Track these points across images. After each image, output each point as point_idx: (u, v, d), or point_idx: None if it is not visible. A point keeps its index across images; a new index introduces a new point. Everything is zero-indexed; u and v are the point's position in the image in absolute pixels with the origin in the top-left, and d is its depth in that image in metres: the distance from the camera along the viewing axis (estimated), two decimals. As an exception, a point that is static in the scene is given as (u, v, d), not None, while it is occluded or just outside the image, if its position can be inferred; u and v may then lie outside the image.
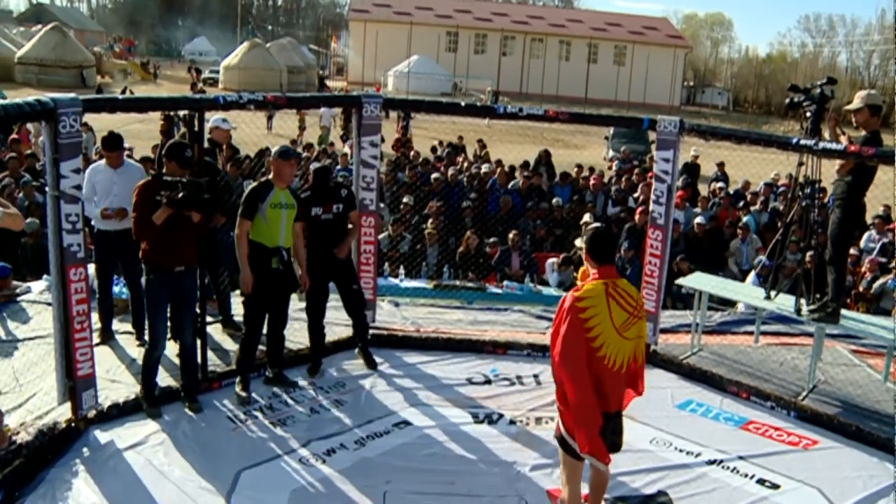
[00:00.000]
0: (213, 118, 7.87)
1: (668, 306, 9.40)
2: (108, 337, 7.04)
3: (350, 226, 6.84)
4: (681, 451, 5.82)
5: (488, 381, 6.92)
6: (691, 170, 16.97)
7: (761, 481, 5.45)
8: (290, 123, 24.40)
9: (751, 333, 8.10)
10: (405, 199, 11.85)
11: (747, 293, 7.59)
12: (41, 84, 40.10)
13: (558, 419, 4.45)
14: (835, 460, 5.82)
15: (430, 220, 11.28)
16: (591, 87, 63.69)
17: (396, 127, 25.32)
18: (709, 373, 7.09)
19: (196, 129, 6.16)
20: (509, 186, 13.41)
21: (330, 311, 6.98)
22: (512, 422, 6.17)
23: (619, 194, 13.76)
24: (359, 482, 5.17)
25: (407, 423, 6.04)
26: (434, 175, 13.29)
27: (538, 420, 6.16)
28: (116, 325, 7.26)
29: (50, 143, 5.17)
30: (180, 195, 5.52)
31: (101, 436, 5.53)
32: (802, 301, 6.82)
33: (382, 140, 7.68)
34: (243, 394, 6.21)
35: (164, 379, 6.18)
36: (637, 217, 11.45)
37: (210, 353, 6.55)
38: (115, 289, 7.45)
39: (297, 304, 6.94)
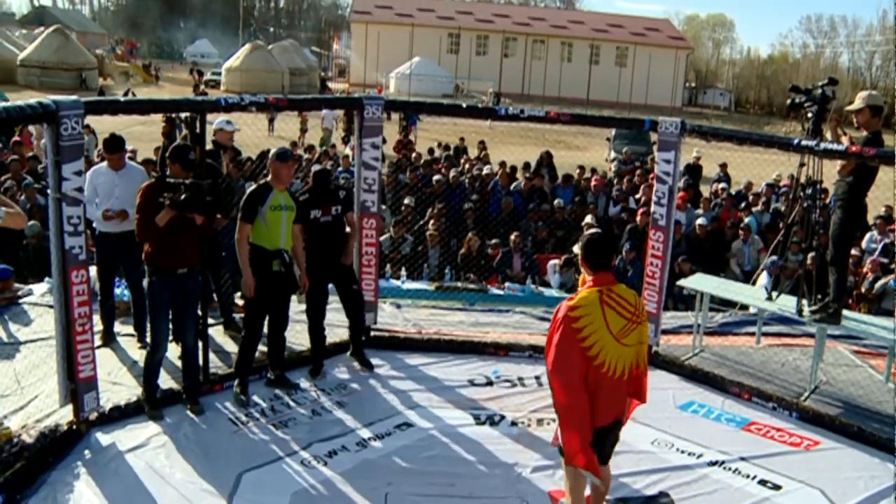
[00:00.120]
0: (216, 120, 7.88)
1: (669, 307, 9.40)
2: (109, 339, 7.05)
3: (348, 228, 6.85)
4: (682, 452, 5.82)
5: (490, 383, 6.92)
6: (693, 171, 16.95)
7: (763, 482, 5.44)
8: (292, 125, 24.43)
9: (752, 334, 8.10)
10: (406, 201, 11.85)
11: (748, 294, 7.58)
12: (43, 86, 40.16)
13: (557, 428, 4.43)
14: (836, 461, 5.82)
15: (432, 222, 11.29)
16: (593, 88, 63.66)
17: (399, 129, 25.34)
18: (710, 374, 7.09)
19: (198, 131, 6.17)
20: (511, 188, 13.41)
21: (330, 313, 6.99)
22: (513, 423, 6.17)
23: (619, 195, 13.74)
24: (360, 484, 5.16)
25: (408, 424, 6.04)
26: (436, 177, 13.29)
27: (540, 421, 6.16)
28: (118, 327, 7.27)
29: (52, 146, 5.18)
30: (183, 197, 5.53)
31: (103, 438, 5.54)
32: (804, 302, 6.82)
33: (384, 141, 7.69)
34: (242, 397, 6.21)
35: (165, 381, 6.18)
36: (639, 218, 11.45)
37: (212, 355, 6.54)
38: (117, 291, 7.46)
39: (298, 306, 6.94)
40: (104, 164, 7.02)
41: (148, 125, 18.45)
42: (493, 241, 11.02)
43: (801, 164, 6.82)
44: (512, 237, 11.01)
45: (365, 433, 5.86)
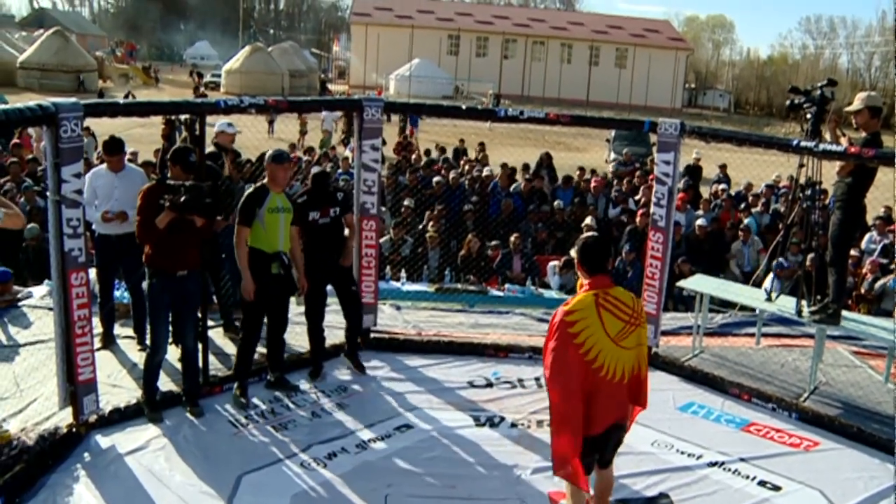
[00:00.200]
0: (218, 123, 7.89)
1: (669, 308, 9.40)
2: (109, 341, 7.05)
3: (346, 230, 6.85)
4: (682, 453, 5.82)
5: (490, 385, 6.93)
6: (693, 172, 16.96)
7: (763, 483, 5.45)
8: (292, 127, 24.45)
9: (752, 335, 8.11)
10: (406, 202, 11.85)
11: (748, 295, 7.58)
12: (43, 88, 40.18)
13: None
14: (836, 462, 5.82)
15: (432, 224, 11.29)
16: (593, 89, 63.62)
17: (398, 131, 25.35)
18: (710, 375, 7.09)
19: (197, 133, 6.17)
20: (511, 189, 13.41)
21: (330, 315, 6.99)
22: (513, 425, 6.17)
23: (619, 195, 13.74)
24: (360, 486, 5.16)
25: (408, 426, 6.05)
26: (436, 178, 13.29)
27: (539, 423, 6.15)
28: (118, 329, 7.27)
29: (51, 148, 5.17)
30: (183, 199, 5.54)
31: (102, 441, 5.53)
32: (803, 303, 6.82)
33: (384, 143, 7.69)
34: (242, 399, 6.21)
35: (165, 383, 6.19)
36: (638, 219, 11.45)
37: (211, 358, 6.55)
38: (117, 293, 7.45)
39: (297, 308, 6.95)
40: (104, 166, 7.02)
41: (147, 127, 18.47)
42: (493, 242, 11.02)
43: (801, 165, 6.82)
44: (512, 239, 11.01)
45: (365, 435, 5.86)
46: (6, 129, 12.79)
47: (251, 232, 6.07)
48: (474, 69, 62.35)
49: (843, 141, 6.52)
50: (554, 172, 16.02)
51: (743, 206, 14.06)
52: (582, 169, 16.05)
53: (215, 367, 6.59)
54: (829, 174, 6.79)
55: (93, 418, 5.64)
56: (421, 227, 11.25)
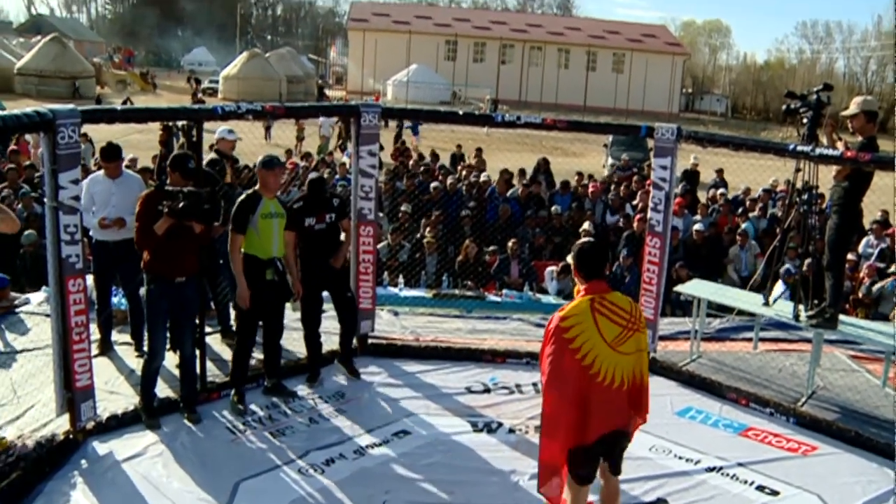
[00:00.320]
0: (218, 129, 7.90)
1: (666, 313, 9.40)
2: (106, 348, 7.04)
3: (343, 235, 6.85)
4: (680, 458, 5.82)
5: (487, 390, 6.92)
6: (691, 177, 16.99)
7: (761, 488, 5.45)
8: (289, 133, 24.43)
9: (749, 340, 8.11)
10: (403, 208, 11.85)
11: (745, 300, 7.58)
12: (40, 95, 40.15)
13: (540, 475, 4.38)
14: (834, 466, 5.82)
15: (429, 229, 11.29)
16: (590, 94, 63.76)
17: (394, 137, 25.38)
18: (708, 379, 7.09)
19: (195, 139, 6.18)
20: (508, 195, 13.42)
21: (328, 321, 6.99)
22: (511, 430, 6.17)
23: (616, 200, 13.75)
24: (358, 492, 5.16)
25: (406, 432, 6.04)
26: (433, 184, 13.30)
27: (537, 428, 6.10)
28: (115, 335, 7.26)
29: (48, 154, 5.19)
30: (181, 205, 5.54)
31: (100, 447, 5.53)
32: (801, 307, 6.83)
33: (381, 149, 7.70)
34: (239, 405, 6.20)
35: (162, 390, 6.18)
36: (636, 224, 11.46)
37: (209, 364, 6.55)
38: (114, 299, 7.45)
39: (294, 314, 6.94)
40: (101, 172, 7.03)
41: (145, 133, 18.47)
42: (491, 248, 11.02)
43: (798, 170, 6.84)
44: (509, 244, 11.02)
45: (362, 441, 5.86)
46: (4, 135, 12.85)
47: (245, 239, 6.06)
48: (472, 75, 62.44)
49: (840, 145, 6.53)
50: (551, 178, 16.04)
51: (740, 210, 14.08)
52: (580, 174, 16.08)
53: (213, 373, 6.58)
54: (826, 178, 6.80)
55: (90, 425, 5.64)
56: (419, 235, 11.23)
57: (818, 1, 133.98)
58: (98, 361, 6.35)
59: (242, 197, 6.21)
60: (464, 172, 15.82)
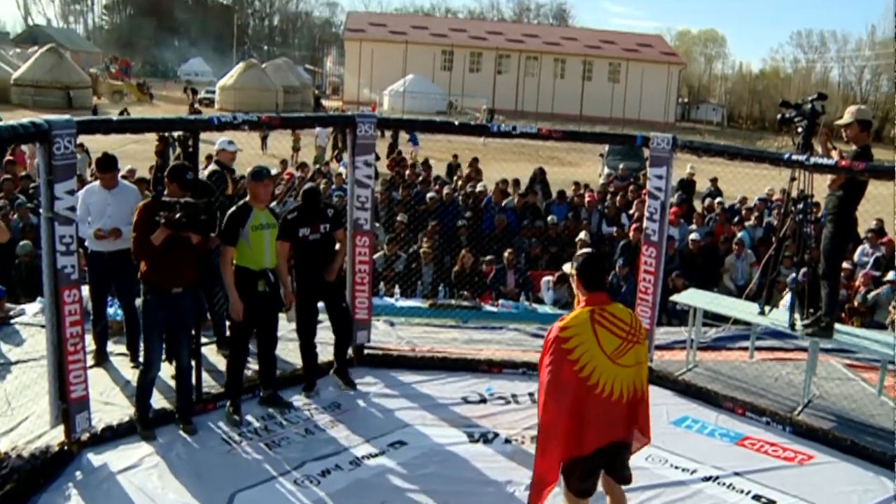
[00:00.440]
0: (218, 140, 7.91)
1: (663, 323, 9.40)
2: (102, 359, 7.02)
3: (337, 245, 6.85)
4: (676, 467, 5.82)
5: (483, 400, 6.92)
6: (687, 186, 17.02)
7: (757, 497, 5.45)
8: (286, 143, 24.44)
9: (746, 349, 8.12)
10: (399, 217, 11.86)
11: (741, 309, 7.59)
12: (37, 105, 40.14)
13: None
14: (830, 475, 5.82)
15: (426, 240, 11.29)
16: (586, 104, 63.81)
17: (388, 148, 25.42)
18: (704, 389, 7.09)
19: (191, 150, 6.18)
20: (504, 204, 13.43)
21: (324, 332, 6.99)
22: (507, 441, 6.16)
23: (612, 209, 13.77)
24: (353, 503, 5.15)
25: (402, 442, 6.03)
26: (429, 194, 13.31)
27: (533, 439, 6.09)
28: (111, 346, 7.24)
29: (44, 165, 5.18)
30: (178, 216, 5.54)
31: (95, 459, 5.51)
32: (796, 316, 6.83)
33: (378, 158, 7.71)
34: (235, 416, 6.19)
35: (158, 401, 6.16)
36: (632, 234, 11.47)
37: (205, 375, 6.52)
38: (110, 310, 7.43)
39: (290, 325, 6.94)
40: (97, 182, 7.03)
41: (142, 143, 18.47)
42: (487, 257, 11.03)
43: (792, 179, 6.85)
44: (505, 254, 11.02)
45: (358, 452, 5.84)
46: (0, 145, 12.83)
47: (237, 250, 6.06)
48: (468, 84, 62.58)
49: (834, 154, 6.55)
50: (548, 187, 16.06)
51: (736, 219, 14.10)
52: (577, 184, 16.11)
53: (208, 384, 6.56)
54: (821, 187, 6.82)
55: (85, 436, 5.62)
56: (416, 247, 11.23)
57: (813, 10, 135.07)
58: (93, 372, 6.34)
59: (232, 209, 6.20)
60: (459, 182, 15.84)
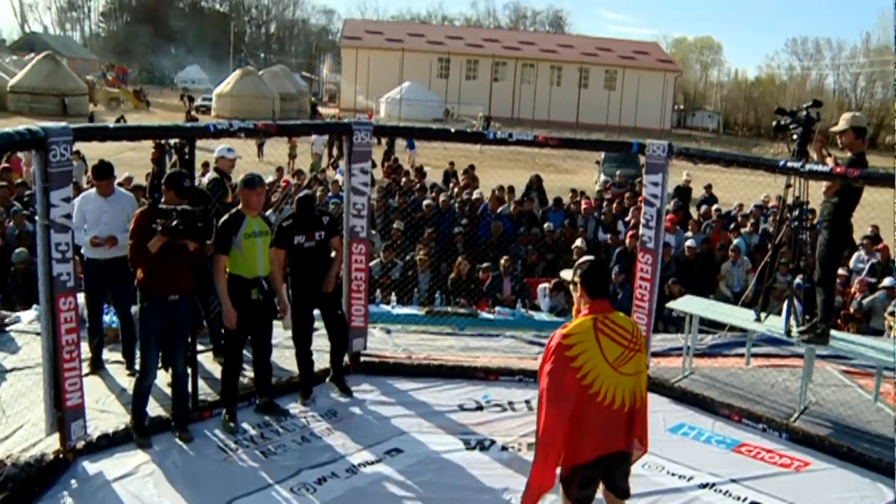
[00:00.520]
0: (218, 148, 7.91)
1: (659, 330, 9.41)
2: (97, 366, 7.01)
3: (333, 253, 6.85)
4: (673, 474, 5.81)
5: (480, 408, 6.91)
6: (683, 193, 17.04)
7: (754, 504, 5.44)
8: (282, 151, 24.46)
9: (742, 356, 8.11)
10: (395, 225, 11.86)
11: (737, 315, 7.60)
12: (33, 112, 40.11)
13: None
14: (827, 482, 5.82)
15: (422, 247, 11.29)
16: (583, 111, 64.06)
17: (382, 155, 25.47)
18: (700, 396, 7.09)
19: (187, 157, 6.18)
20: (499, 211, 13.44)
21: (321, 339, 6.98)
22: (504, 448, 6.15)
23: (609, 216, 13.78)
24: (350, 511, 5.14)
25: (398, 450, 6.02)
26: (426, 201, 13.32)
27: (530, 446, 6.11)
28: (106, 354, 7.23)
29: (40, 172, 5.17)
30: (174, 223, 5.54)
31: (90, 467, 5.49)
32: (792, 322, 6.84)
33: (374, 165, 7.71)
34: (231, 424, 6.17)
35: (154, 408, 6.15)
36: (628, 241, 11.48)
37: (201, 382, 6.51)
38: (106, 318, 7.42)
39: (286, 332, 6.93)
40: (93, 190, 7.02)
41: (138, 151, 18.43)
42: (483, 265, 11.03)
43: (788, 186, 6.87)
44: (502, 261, 11.02)
45: (355, 459, 5.83)
46: (-5, 153, 12.83)
47: (230, 258, 6.05)
48: (464, 92, 62.76)
49: (829, 161, 6.57)
50: (544, 195, 16.07)
51: (732, 226, 14.12)
52: (575, 191, 16.13)
53: (205, 391, 6.55)
54: (816, 194, 6.83)
55: (80, 444, 5.60)
56: (412, 255, 11.23)
57: (808, 18, 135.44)
58: (89, 380, 6.32)
59: (225, 217, 6.19)
60: (455, 189, 15.85)
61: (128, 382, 6.60)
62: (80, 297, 6.47)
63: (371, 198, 7.80)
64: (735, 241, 12.57)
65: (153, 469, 5.51)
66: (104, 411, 6.23)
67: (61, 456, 5.46)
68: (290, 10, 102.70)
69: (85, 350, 6.32)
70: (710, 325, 8.53)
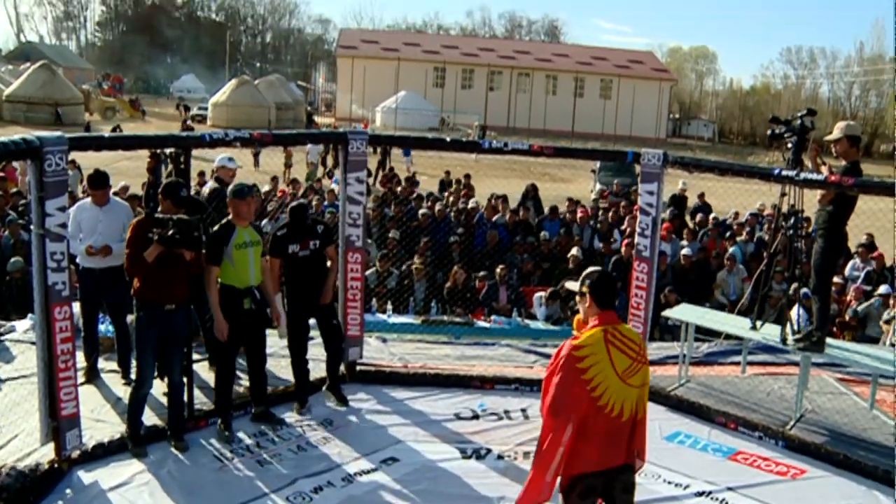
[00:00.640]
0: (218, 157, 7.91)
1: (655, 338, 9.41)
2: (93, 376, 7.00)
3: (328, 262, 6.85)
4: (669, 483, 5.82)
5: (476, 416, 6.90)
6: (679, 202, 17.07)
7: (750, 513, 5.44)
8: (277, 160, 24.46)
9: (738, 364, 8.12)
10: (391, 234, 11.86)
11: (733, 324, 7.60)
12: (28, 122, 40.10)
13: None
14: (823, 489, 5.83)
15: (418, 256, 11.29)
16: (578, 120, 64.21)
17: (377, 164, 25.48)
18: (696, 404, 7.09)
19: (182, 166, 6.18)
20: (495, 220, 13.44)
21: (316, 348, 6.97)
22: (500, 457, 6.14)
23: (605, 224, 13.79)
24: (346, 520, 5.13)
25: (394, 459, 6.01)
26: (421, 211, 13.32)
27: (526, 454, 6.12)
28: (102, 363, 7.21)
29: (35, 182, 5.18)
30: (171, 233, 5.54)
31: (85, 476, 5.47)
32: (788, 330, 6.85)
33: (369, 174, 7.71)
34: (226, 433, 6.16)
35: (149, 418, 6.13)
36: (623, 249, 11.49)
37: (197, 391, 6.50)
38: (101, 327, 7.40)
39: (282, 341, 6.92)
40: (88, 199, 7.01)
41: (134, 160, 18.36)
42: (479, 273, 11.03)
43: (783, 194, 6.89)
44: (498, 270, 11.02)
45: (351, 468, 5.82)
46: (-9, 163, 12.81)
47: (221, 269, 6.04)
48: (460, 101, 62.84)
49: (824, 169, 6.59)
50: (539, 204, 16.08)
51: (728, 234, 14.15)
52: (571, 200, 16.14)
53: (200, 401, 6.53)
54: (811, 202, 6.86)
55: (75, 454, 5.58)
56: (408, 264, 11.22)
57: (802, 27, 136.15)
58: (84, 389, 6.31)
59: (216, 228, 6.18)
60: (451, 199, 15.86)
61: (123, 392, 6.58)
62: (76, 307, 6.46)
63: (367, 207, 7.79)
64: (731, 250, 12.58)
65: (149, 478, 5.49)
66: (100, 420, 6.21)
67: (56, 465, 5.44)
68: (286, 20, 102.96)
69: (80, 359, 6.31)
70: (705, 334, 8.53)
